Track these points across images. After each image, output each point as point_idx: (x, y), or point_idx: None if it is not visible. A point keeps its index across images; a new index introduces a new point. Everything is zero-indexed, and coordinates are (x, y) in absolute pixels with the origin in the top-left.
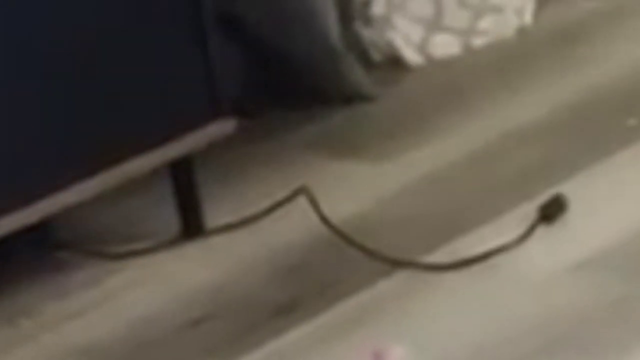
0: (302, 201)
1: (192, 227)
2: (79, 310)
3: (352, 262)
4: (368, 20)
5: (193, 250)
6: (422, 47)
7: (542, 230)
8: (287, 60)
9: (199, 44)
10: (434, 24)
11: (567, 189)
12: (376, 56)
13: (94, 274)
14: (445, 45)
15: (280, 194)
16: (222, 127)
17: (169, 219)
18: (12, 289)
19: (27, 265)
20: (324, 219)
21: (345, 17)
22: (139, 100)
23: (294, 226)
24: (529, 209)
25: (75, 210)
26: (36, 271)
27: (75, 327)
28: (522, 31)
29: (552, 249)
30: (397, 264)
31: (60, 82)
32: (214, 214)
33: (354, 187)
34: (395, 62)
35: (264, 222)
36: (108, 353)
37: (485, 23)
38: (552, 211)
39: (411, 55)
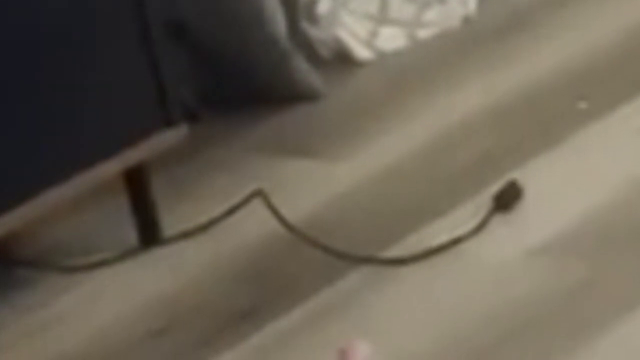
0: (258, 204)
1: (149, 236)
2: (40, 326)
3: (312, 261)
4: (314, 19)
5: (152, 259)
6: (369, 42)
7: (498, 219)
8: (235, 63)
9: (146, 52)
10: (380, 18)
11: (522, 175)
12: (324, 54)
13: (53, 289)
14: (392, 39)
15: (236, 198)
16: (174, 134)
17: (126, 229)
18: None
19: None
20: (281, 221)
21: (292, 16)
22: (89, 111)
23: (251, 229)
24: (485, 198)
25: (31, 225)
26: None
27: (37, 343)
28: (467, 20)
29: (509, 237)
30: (358, 261)
31: (8, 95)
32: (171, 222)
33: (310, 187)
34: (343, 59)
35: (221, 227)
36: None
37: (431, 14)
38: (507, 199)
39: (359, 51)
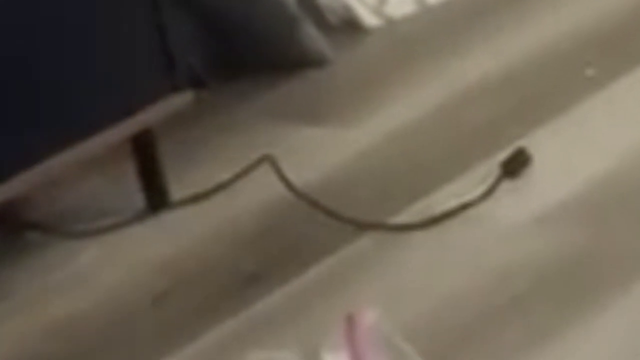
0: (266, 169)
1: (156, 200)
2: (50, 289)
3: (320, 227)
4: None
5: (159, 223)
6: (378, 8)
7: (506, 185)
8: (243, 29)
9: (153, 18)
10: None
11: (529, 142)
12: (333, 20)
13: (63, 253)
14: (400, 5)
15: (244, 163)
16: (180, 100)
17: (134, 194)
18: None
19: None
20: (289, 186)
21: None
22: (96, 77)
23: (259, 195)
24: (493, 165)
25: (41, 190)
26: (4, 253)
27: (47, 306)
28: None
29: (517, 203)
30: (366, 227)
31: (15, 62)
32: (178, 187)
33: (317, 153)
34: (352, 25)
35: (228, 192)
36: (82, 330)
37: None
38: (515, 165)
39: (367, 17)
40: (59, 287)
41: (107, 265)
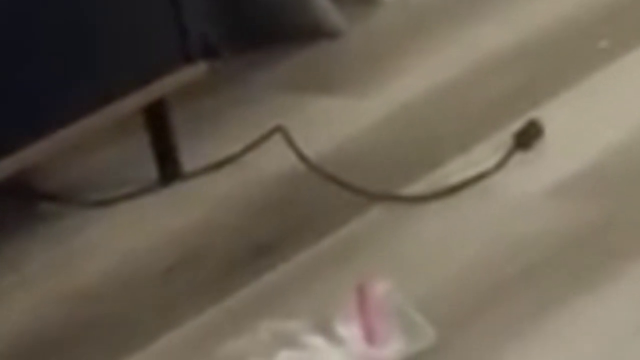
0: (278, 140)
1: (169, 171)
2: (64, 259)
3: (332, 198)
4: None
5: (172, 194)
6: None
7: (519, 157)
8: (256, 0)
9: None
10: None
11: (542, 114)
12: None
13: (76, 223)
14: None
15: (256, 134)
16: (193, 71)
17: (147, 165)
18: None
19: (9, 218)
20: (301, 157)
21: None
22: (109, 47)
23: (271, 166)
24: (505, 136)
25: (54, 160)
26: (17, 223)
27: (61, 276)
28: None
29: (529, 175)
30: (377, 198)
31: (28, 33)
32: (191, 158)
33: (329, 124)
34: None
35: (241, 163)
36: (96, 300)
37: None
38: (528, 137)
39: None
40: (72, 257)
41: (120, 236)
